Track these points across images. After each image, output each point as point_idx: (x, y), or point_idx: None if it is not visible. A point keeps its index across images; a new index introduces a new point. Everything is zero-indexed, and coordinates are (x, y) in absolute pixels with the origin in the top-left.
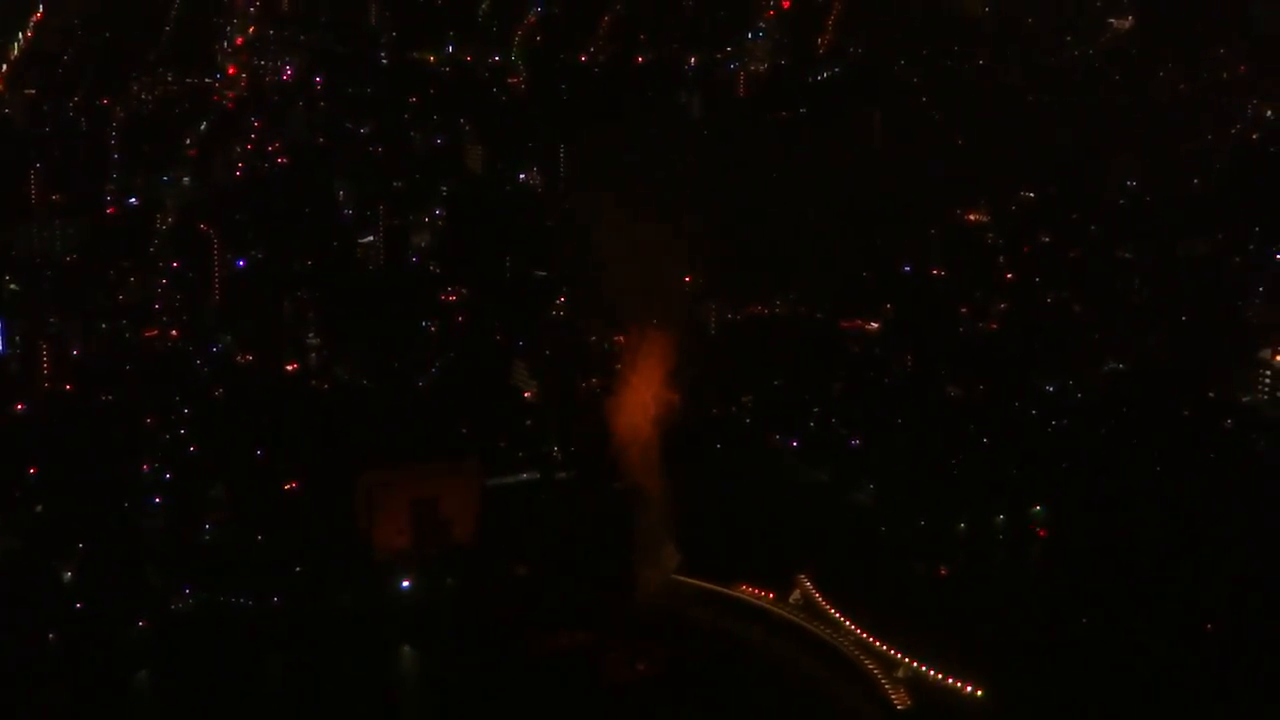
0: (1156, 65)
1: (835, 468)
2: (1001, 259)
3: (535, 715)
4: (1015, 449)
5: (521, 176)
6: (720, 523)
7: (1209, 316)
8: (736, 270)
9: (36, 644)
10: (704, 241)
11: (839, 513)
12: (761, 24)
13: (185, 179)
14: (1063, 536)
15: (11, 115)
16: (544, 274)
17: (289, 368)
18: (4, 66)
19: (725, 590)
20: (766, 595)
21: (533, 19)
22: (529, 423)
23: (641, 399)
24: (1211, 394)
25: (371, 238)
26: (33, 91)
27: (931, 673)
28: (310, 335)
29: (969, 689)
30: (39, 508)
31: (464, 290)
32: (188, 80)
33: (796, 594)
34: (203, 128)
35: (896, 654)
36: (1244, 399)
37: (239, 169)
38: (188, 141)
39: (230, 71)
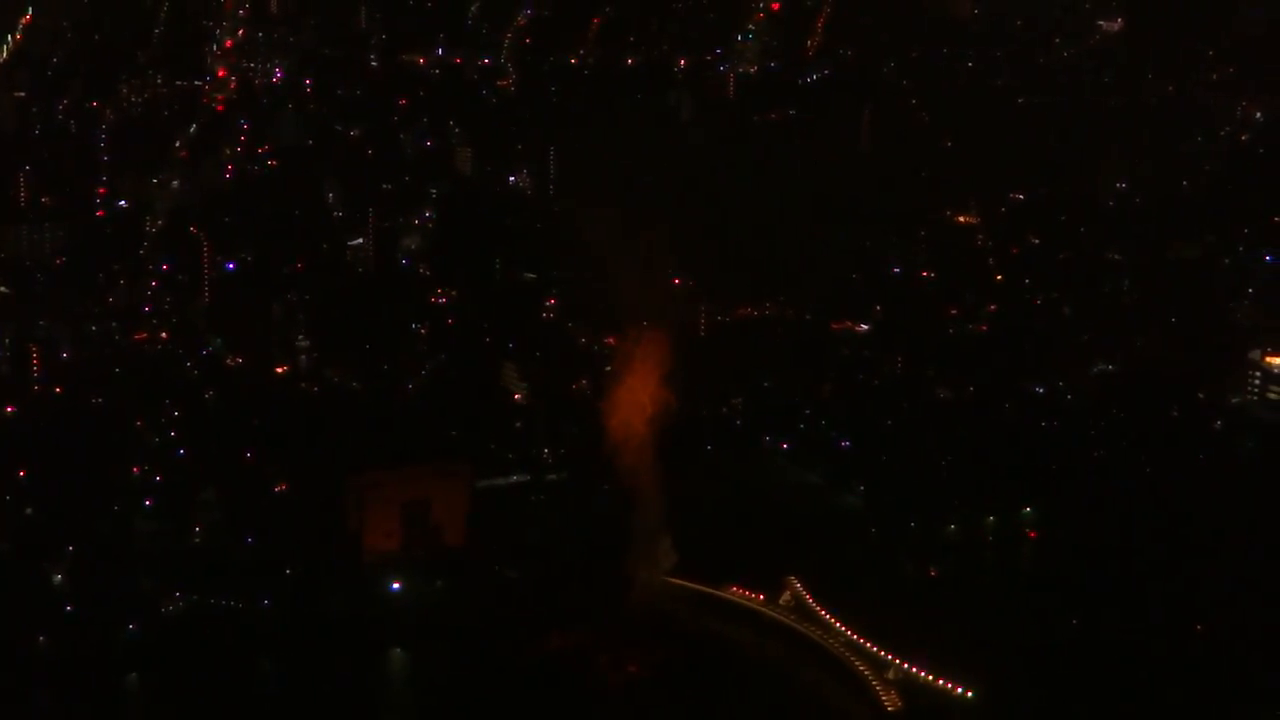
0: (1145, 67)
1: (825, 469)
2: (991, 261)
3: (526, 717)
4: (1005, 450)
5: (511, 179)
6: (710, 524)
7: (1198, 318)
8: (727, 272)
9: (27, 646)
10: (694, 243)
11: (829, 514)
12: (751, 26)
13: (175, 181)
14: (1052, 537)
15: (0, 118)
16: (534, 276)
17: (279, 370)
18: None
19: (715, 591)
20: (757, 597)
21: (522, 21)
22: (519, 424)
23: (632, 400)
24: (1201, 395)
25: (361, 240)
26: (22, 94)
27: (922, 674)
28: (300, 337)
29: (959, 689)
30: (29, 510)
31: (454, 292)
32: (177, 83)
33: (787, 595)
34: (192, 130)
35: (887, 655)
36: (1233, 400)
37: (228, 171)
38: (177, 144)
39: (220, 74)
